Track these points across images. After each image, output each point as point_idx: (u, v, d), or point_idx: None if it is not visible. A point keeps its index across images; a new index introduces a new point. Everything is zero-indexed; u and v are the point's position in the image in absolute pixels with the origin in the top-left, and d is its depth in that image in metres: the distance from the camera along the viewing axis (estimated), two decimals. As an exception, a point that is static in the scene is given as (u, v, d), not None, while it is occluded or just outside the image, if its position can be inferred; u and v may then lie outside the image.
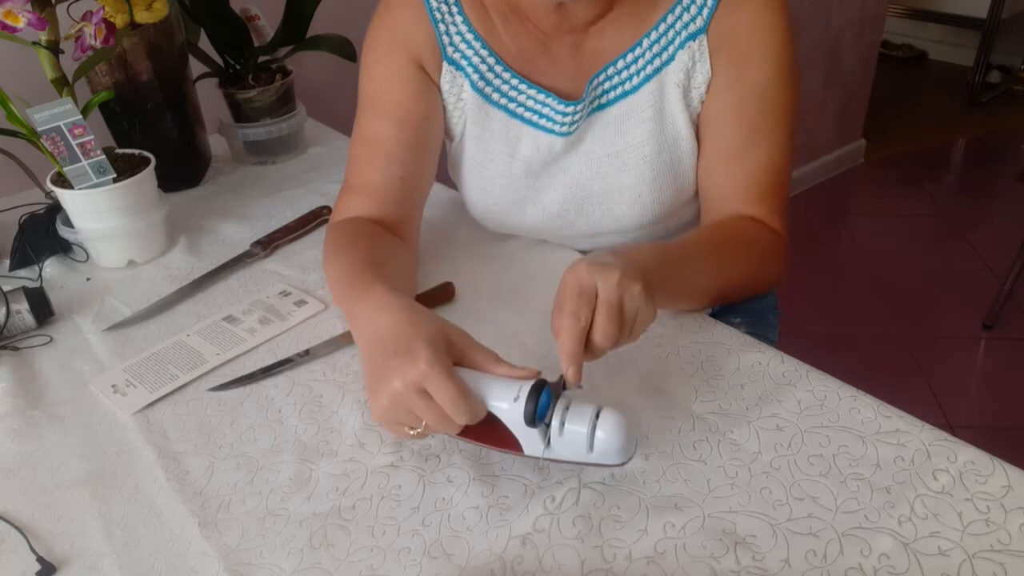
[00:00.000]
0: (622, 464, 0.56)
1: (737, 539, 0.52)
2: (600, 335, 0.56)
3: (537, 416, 0.53)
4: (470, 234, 0.92)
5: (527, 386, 0.54)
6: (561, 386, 0.56)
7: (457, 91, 0.81)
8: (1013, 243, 2.04)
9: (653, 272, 0.61)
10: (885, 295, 2.22)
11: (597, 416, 0.54)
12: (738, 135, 0.76)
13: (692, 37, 0.74)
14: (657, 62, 0.76)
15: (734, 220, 0.78)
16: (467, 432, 0.57)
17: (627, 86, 0.77)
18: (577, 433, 0.54)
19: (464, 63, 0.79)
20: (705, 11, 0.73)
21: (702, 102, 0.77)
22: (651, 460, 0.59)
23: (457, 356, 0.57)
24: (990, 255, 2.34)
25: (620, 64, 0.77)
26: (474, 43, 0.79)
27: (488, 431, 0.56)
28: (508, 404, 0.55)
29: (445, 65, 0.80)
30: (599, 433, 0.53)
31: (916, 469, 0.56)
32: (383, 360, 0.56)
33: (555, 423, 0.54)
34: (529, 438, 0.55)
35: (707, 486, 0.57)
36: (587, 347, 0.57)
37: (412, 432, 0.57)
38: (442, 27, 0.79)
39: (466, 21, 0.79)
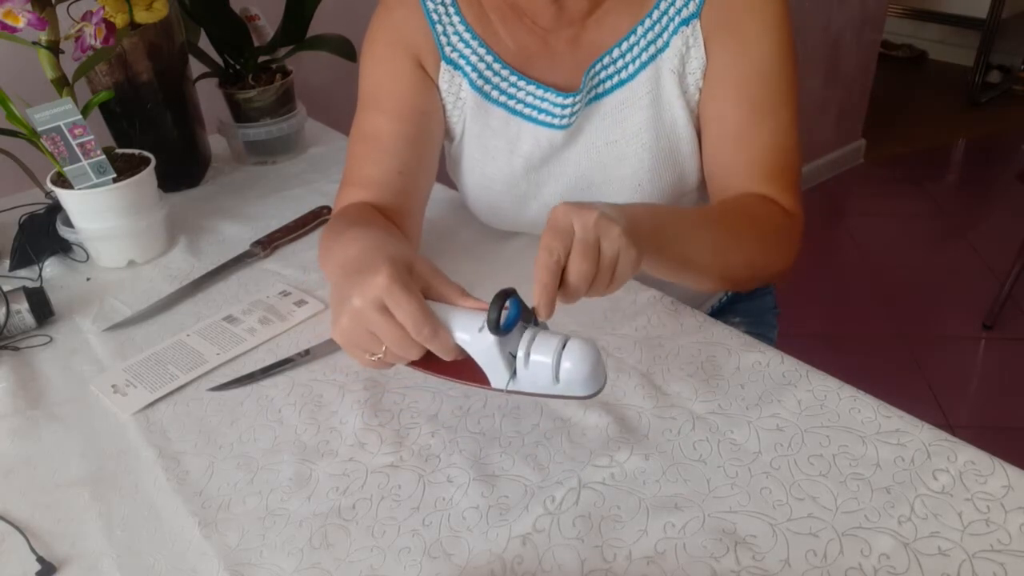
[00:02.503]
0: (591, 396, 0.53)
1: (737, 539, 0.52)
2: (574, 273, 0.53)
3: (504, 326, 0.50)
4: (470, 234, 0.92)
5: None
6: (533, 318, 0.54)
7: (456, 90, 0.81)
8: (1013, 243, 2.04)
9: (639, 220, 0.58)
10: (885, 295, 2.23)
11: (564, 346, 0.52)
12: (741, 115, 0.75)
13: (685, 22, 0.74)
14: (652, 49, 0.76)
15: (742, 196, 0.75)
16: (432, 365, 0.56)
17: (623, 74, 0.77)
18: (542, 363, 0.52)
19: (462, 62, 0.79)
20: None
21: (699, 89, 0.76)
22: (651, 460, 0.59)
23: (422, 286, 0.55)
24: (990, 255, 2.34)
25: (616, 53, 0.77)
26: (471, 42, 0.79)
27: (453, 364, 0.55)
28: (472, 335, 0.53)
29: (443, 65, 0.80)
30: (565, 363, 0.52)
31: (916, 469, 0.56)
32: (347, 281, 0.55)
33: (520, 353, 0.52)
34: (495, 370, 0.53)
35: (707, 486, 0.56)
36: (563, 287, 0.53)
37: (372, 358, 0.55)
38: (439, 27, 0.79)
39: (463, 21, 0.79)
